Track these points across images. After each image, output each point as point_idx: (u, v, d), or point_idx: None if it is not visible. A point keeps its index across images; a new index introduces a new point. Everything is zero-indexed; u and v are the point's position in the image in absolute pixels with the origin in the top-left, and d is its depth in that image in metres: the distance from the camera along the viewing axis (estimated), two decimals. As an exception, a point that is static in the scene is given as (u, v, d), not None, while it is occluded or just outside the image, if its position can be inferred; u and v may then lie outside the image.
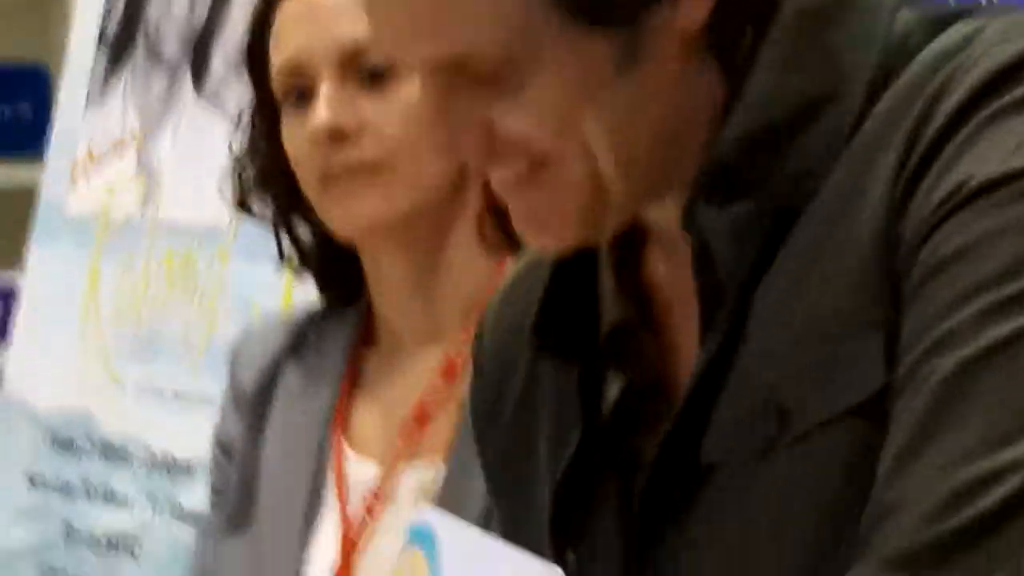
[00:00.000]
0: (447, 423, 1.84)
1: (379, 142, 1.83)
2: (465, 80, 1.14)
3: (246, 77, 1.95)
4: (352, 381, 1.92)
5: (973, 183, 1.04)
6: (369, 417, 1.92)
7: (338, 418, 1.91)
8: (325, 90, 1.83)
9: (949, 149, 1.07)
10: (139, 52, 3.04)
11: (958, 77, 1.08)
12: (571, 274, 1.27)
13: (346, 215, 1.83)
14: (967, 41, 1.11)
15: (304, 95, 1.85)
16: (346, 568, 1.85)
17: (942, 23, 1.15)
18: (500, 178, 1.17)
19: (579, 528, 1.25)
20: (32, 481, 3.00)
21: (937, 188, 1.07)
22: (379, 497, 1.87)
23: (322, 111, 1.82)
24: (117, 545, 2.86)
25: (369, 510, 1.86)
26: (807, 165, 1.15)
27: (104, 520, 2.87)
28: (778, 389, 1.14)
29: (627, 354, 1.22)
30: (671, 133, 1.19)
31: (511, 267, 1.61)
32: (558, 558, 1.22)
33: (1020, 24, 1.14)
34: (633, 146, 1.16)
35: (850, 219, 1.14)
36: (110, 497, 2.88)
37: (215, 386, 2.55)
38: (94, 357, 2.97)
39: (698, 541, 1.17)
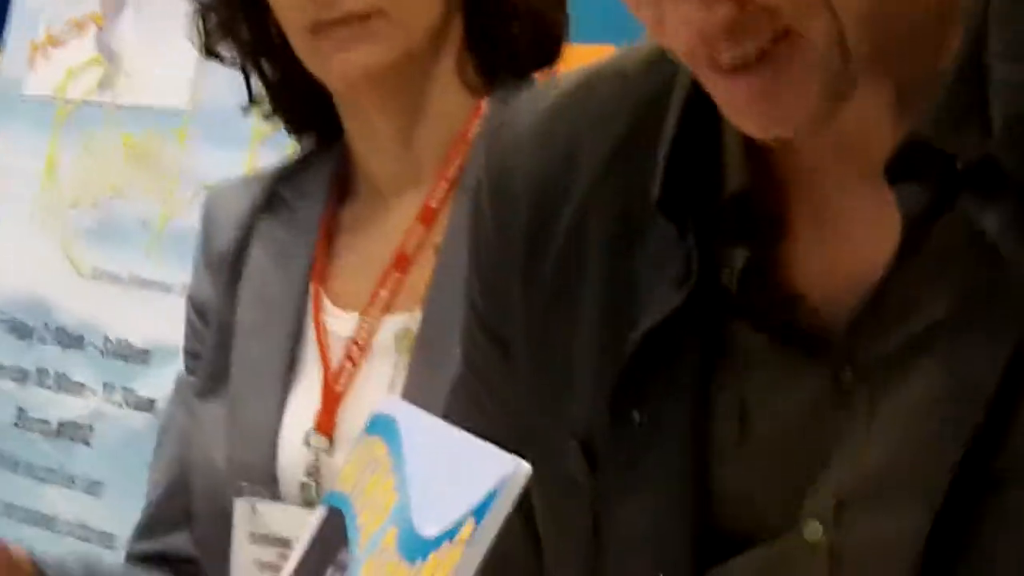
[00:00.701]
0: (426, 269, 1.85)
1: None
2: None
3: None
4: (329, 234, 1.91)
5: None
6: (348, 268, 1.91)
7: (317, 271, 1.90)
8: None
9: None
10: None
11: None
12: (690, 133, 1.17)
13: (341, 65, 1.81)
14: None
15: None
16: (328, 417, 1.84)
17: None
18: (736, 56, 1.04)
19: (643, 390, 1.17)
20: None
21: None
22: (360, 347, 1.86)
23: None
24: (71, 432, 2.88)
25: (351, 360, 1.85)
26: None
27: (58, 407, 2.88)
28: None
29: (748, 229, 1.14)
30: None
31: (498, 111, 1.76)
32: (619, 415, 1.17)
33: None
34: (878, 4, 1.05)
35: None
36: (65, 384, 2.89)
37: (174, 273, 2.56)
38: (51, 241, 2.97)
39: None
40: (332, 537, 1.19)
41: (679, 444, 1.11)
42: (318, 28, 1.76)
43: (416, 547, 1.06)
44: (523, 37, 1.89)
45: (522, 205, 1.21)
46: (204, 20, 1.87)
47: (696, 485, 1.10)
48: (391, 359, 1.82)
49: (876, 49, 1.04)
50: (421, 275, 1.82)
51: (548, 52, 1.89)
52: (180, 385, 1.96)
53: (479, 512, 1.03)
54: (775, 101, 1.05)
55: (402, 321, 1.81)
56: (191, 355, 1.93)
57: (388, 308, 1.85)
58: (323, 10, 1.75)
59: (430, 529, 1.05)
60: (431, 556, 1.04)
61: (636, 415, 1.14)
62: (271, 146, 2.41)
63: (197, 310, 1.93)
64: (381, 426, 1.15)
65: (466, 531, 1.03)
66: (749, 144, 1.10)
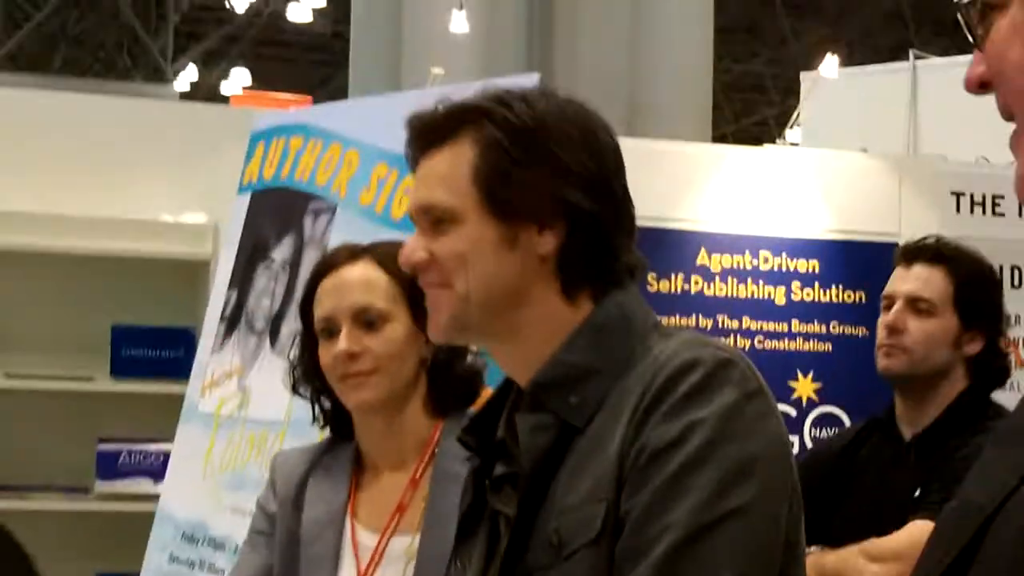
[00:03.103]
0: (417, 510, 2.39)
1: (371, 360, 2.41)
2: (429, 222, 1.74)
3: (300, 322, 2.52)
4: (355, 488, 2.45)
5: (649, 448, 1.60)
6: (369, 506, 2.43)
7: (350, 508, 2.43)
8: (344, 332, 2.43)
9: (654, 416, 1.61)
10: (242, 325, 3.97)
11: (659, 374, 1.63)
12: (488, 416, 1.81)
13: (354, 400, 2.43)
14: (661, 352, 1.67)
15: (332, 333, 2.44)
16: None
17: (663, 337, 1.71)
18: (423, 282, 1.74)
19: (464, 550, 1.78)
20: (171, 558, 3.87)
21: (647, 438, 1.61)
22: (379, 554, 2.39)
23: (343, 342, 2.41)
24: None
25: (374, 560, 2.38)
26: (579, 403, 1.67)
27: None
28: (558, 530, 1.64)
29: (503, 455, 1.75)
30: (515, 305, 1.74)
31: (450, 426, 2.35)
32: (454, 565, 1.79)
33: (688, 342, 1.69)
34: (492, 294, 1.71)
35: (608, 439, 1.64)
36: (214, 570, 3.71)
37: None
38: (208, 489, 3.82)
39: None
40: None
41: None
42: (344, 378, 2.41)
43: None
44: (460, 388, 2.50)
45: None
46: (292, 374, 2.53)
47: None
48: (400, 563, 2.38)
49: (488, 317, 1.71)
50: (414, 514, 2.38)
51: (475, 395, 2.50)
52: (251, 539, 2.52)
53: None
54: (437, 311, 1.74)
55: (406, 539, 2.38)
56: (255, 531, 2.52)
57: (395, 531, 2.40)
58: (346, 368, 2.40)
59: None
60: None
61: (457, 565, 1.78)
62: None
63: (268, 516, 2.51)
64: None
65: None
66: (508, 415, 1.74)
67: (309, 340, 2.48)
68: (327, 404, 2.51)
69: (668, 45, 8.17)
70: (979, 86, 1.13)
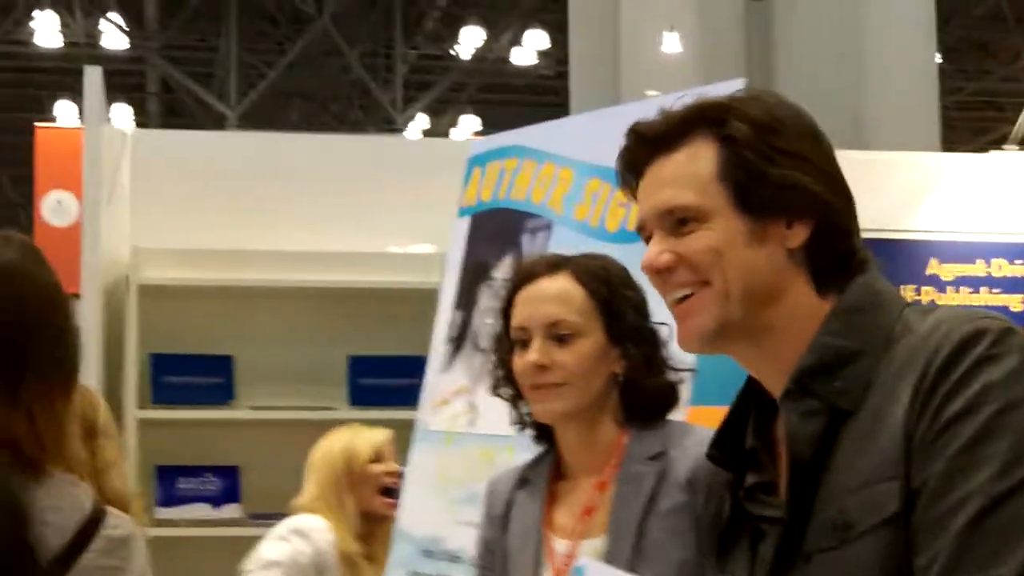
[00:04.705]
0: (603, 514, 2.41)
1: (560, 374, 2.43)
2: (672, 223, 1.73)
3: (499, 326, 2.54)
4: (552, 497, 2.50)
5: (942, 419, 1.59)
6: (561, 513, 2.48)
7: (546, 519, 2.49)
8: (536, 343, 2.45)
9: (941, 388, 1.59)
10: (467, 345, 4.02)
11: (942, 346, 1.61)
12: (733, 428, 1.82)
13: (543, 411, 2.47)
14: (931, 327, 1.65)
15: (525, 343, 2.46)
16: None
17: (923, 315, 1.69)
18: (674, 297, 1.76)
19: (727, 562, 1.79)
20: (411, 574, 3.88)
21: (935, 410, 1.59)
22: (570, 558, 2.44)
23: (533, 354, 2.44)
24: None
25: (567, 565, 2.43)
26: (847, 387, 1.66)
27: None
28: (846, 510, 1.63)
29: (755, 465, 1.76)
30: (772, 300, 1.72)
31: (636, 437, 2.41)
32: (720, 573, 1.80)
33: (960, 315, 1.66)
34: (750, 289, 1.71)
35: (887, 417, 1.63)
36: None
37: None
38: (443, 505, 3.85)
39: None
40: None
41: None
42: (534, 388, 2.45)
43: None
44: (652, 402, 2.51)
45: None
46: (495, 385, 2.58)
47: None
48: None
49: (747, 313, 1.70)
50: (602, 517, 2.42)
51: (668, 407, 2.52)
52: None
53: None
54: (690, 316, 1.72)
55: (595, 542, 2.42)
56: (482, 569, 2.59)
57: (584, 535, 2.44)
58: (537, 378, 2.43)
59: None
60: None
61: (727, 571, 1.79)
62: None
63: (485, 543, 2.58)
64: (577, 572, 2.03)
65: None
66: (759, 419, 1.77)
67: (507, 345, 2.53)
68: (525, 409, 2.55)
69: (890, 56, 8.07)
70: None
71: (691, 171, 1.74)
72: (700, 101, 1.78)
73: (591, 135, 3.83)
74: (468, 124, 17.27)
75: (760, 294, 1.72)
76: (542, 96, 18.77)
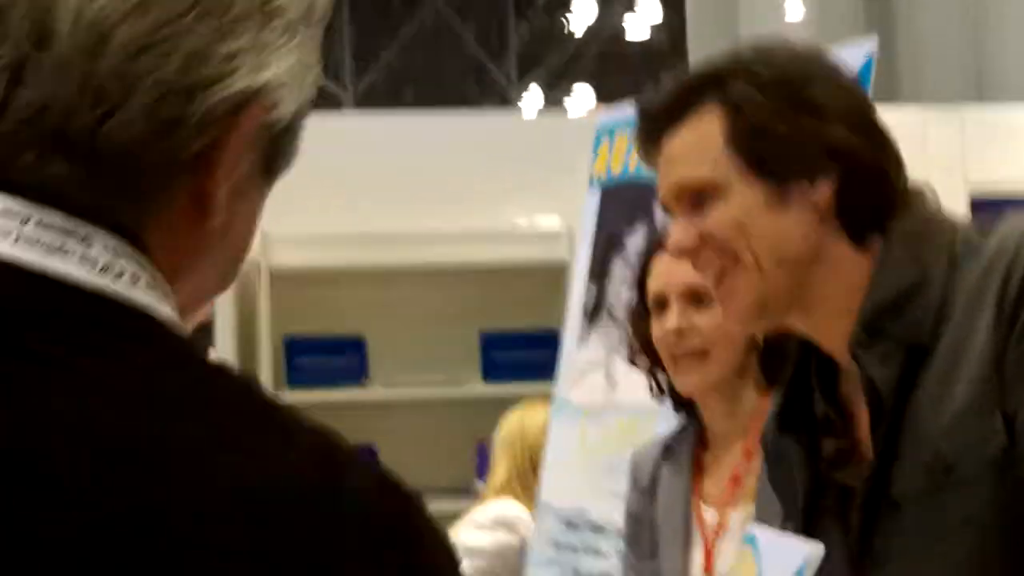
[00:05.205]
0: (751, 481, 2.39)
1: (702, 338, 2.44)
2: (691, 201, 1.66)
3: (635, 295, 2.56)
4: (698, 467, 2.54)
5: None
6: (709, 483, 2.52)
7: (695, 488, 2.53)
8: (674, 308, 2.47)
9: None
10: (603, 317, 3.96)
11: (1016, 261, 1.54)
12: (797, 391, 1.76)
13: (683, 382, 2.49)
14: (999, 244, 1.59)
15: (663, 307, 2.48)
16: (709, 565, 2.44)
17: (983, 235, 1.62)
18: (701, 266, 1.67)
19: (818, 536, 1.71)
20: (556, 545, 3.84)
21: (1020, 330, 1.52)
22: (720, 527, 2.49)
23: (672, 319, 2.45)
24: None
25: (717, 534, 2.48)
26: (918, 320, 1.59)
27: (595, 566, 3.65)
28: (943, 453, 1.56)
29: (831, 430, 1.70)
30: (813, 266, 1.64)
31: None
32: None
33: None
34: (786, 260, 1.62)
35: (971, 347, 1.56)
36: (597, 553, 3.69)
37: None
38: (586, 477, 3.79)
39: (891, 553, 1.60)
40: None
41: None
42: (674, 358, 2.45)
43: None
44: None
45: None
46: (632, 355, 2.67)
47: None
48: (739, 534, 2.28)
49: (788, 282, 1.62)
50: (750, 484, 2.40)
51: None
52: (625, 557, 2.65)
53: (800, 572, 1.59)
54: (731, 298, 1.66)
55: (742, 511, 2.43)
56: (628, 541, 2.62)
57: (733, 504, 2.48)
58: (677, 346, 2.44)
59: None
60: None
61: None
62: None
63: (631, 516, 2.60)
64: (748, 539, 1.79)
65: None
66: (825, 389, 1.72)
67: (643, 314, 2.52)
68: (663, 378, 2.56)
69: (1012, 9, 7.88)
70: None
71: (699, 144, 1.68)
72: (697, 71, 1.72)
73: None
74: (584, 97, 17.18)
75: (794, 260, 1.66)
76: (657, 67, 18.63)
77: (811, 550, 1.56)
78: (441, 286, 6.11)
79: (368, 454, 5.65)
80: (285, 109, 0.97)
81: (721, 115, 1.65)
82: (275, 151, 0.98)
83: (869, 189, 1.65)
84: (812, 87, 1.65)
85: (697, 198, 1.67)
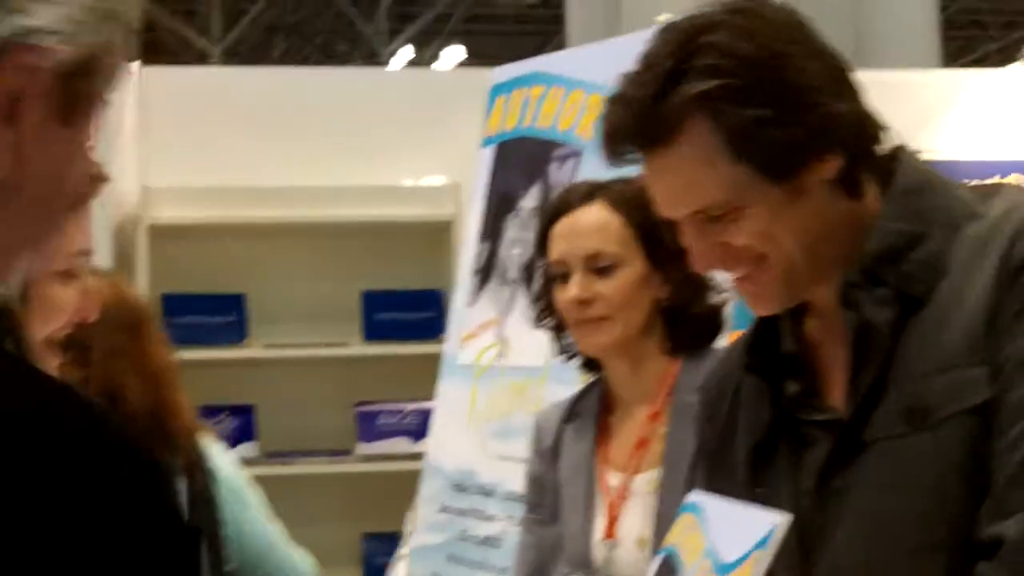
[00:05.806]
0: (657, 446, 2.39)
1: (603, 307, 2.40)
2: (706, 218, 1.64)
3: (538, 259, 2.52)
4: (603, 430, 2.49)
5: None
6: (614, 447, 2.47)
7: (598, 451, 2.47)
8: (576, 277, 2.42)
9: None
10: (495, 276, 3.93)
11: (1021, 229, 1.57)
12: (763, 334, 1.77)
13: (586, 344, 2.47)
14: (1005, 210, 1.62)
15: (565, 276, 2.44)
16: (611, 532, 2.39)
17: (984, 196, 1.66)
18: (735, 275, 1.65)
19: (764, 474, 1.71)
20: (442, 508, 3.83)
21: (1017, 291, 1.54)
22: (625, 491, 2.43)
23: (573, 289, 2.41)
24: (489, 543, 3.60)
25: (621, 498, 2.42)
26: (916, 272, 1.61)
27: (482, 529, 3.65)
28: (922, 396, 1.57)
29: (795, 372, 1.71)
30: (826, 236, 1.65)
31: (688, 366, 2.33)
32: (751, 491, 1.70)
33: None
34: (807, 243, 1.63)
35: (966, 303, 1.58)
36: (485, 517, 3.69)
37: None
38: (474, 440, 3.78)
39: (851, 488, 1.61)
40: (667, 571, 1.65)
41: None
42: (577, 323, 2.43)
43: (724, 568, 1.50)
44: (698, 328, 2.48)
45: (712, 393, 1.85)
46: (538, 318, 2.57)
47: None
48: (646, 498, 2.40)
49: (813, 265, 1.62)
50: (656, 449, 2.39)
51: (715, 333, 2.48)
52: (526, 519, 2.62)
53: (761, 544, 1.47)
54: (761, 298, 1.66)
55: (650, 475, 2.40)
56: (530, 504, 2.59)
57: (638, 468, 2.43)
58: (580, 313, 2.41)
59: (731, 558, 1.48)
60: (734, 571, 1.48)
61: (761, 491, 1.69)
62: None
63: (534, 479, 2.57)
64: (690, 507, 1.67)
65: (754, 557, 1.46)
66: (794, 330, 1.71)
67: (546, 279, 2.48)
68: (569, 340, 2.51)
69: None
70: None
71: (702, 167, 1.64)
72: (665, 68, 1.65)
73: (621, 60, 3.69)
74: (453, 55, 17.09)
75: (821, 242, 1.67)
76: (528, 25, 18.60)
77: (777, 519, 1.51)
78: (323, 244, 6.00)
79: (246, 413, 5.81)
80: (64, 56, 0.92)
81: (709, 128, 1.62)
82: (70, 96, 0.93)
83: (865, 145, 1.66)
84: (790, 62, 1.63)
85: (715, 219, 1.66)
